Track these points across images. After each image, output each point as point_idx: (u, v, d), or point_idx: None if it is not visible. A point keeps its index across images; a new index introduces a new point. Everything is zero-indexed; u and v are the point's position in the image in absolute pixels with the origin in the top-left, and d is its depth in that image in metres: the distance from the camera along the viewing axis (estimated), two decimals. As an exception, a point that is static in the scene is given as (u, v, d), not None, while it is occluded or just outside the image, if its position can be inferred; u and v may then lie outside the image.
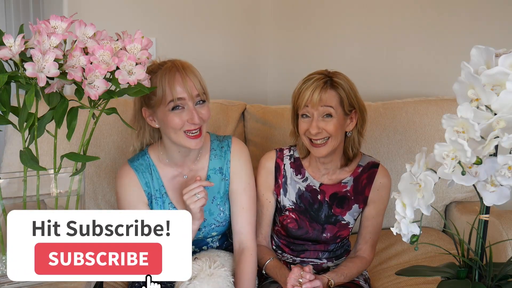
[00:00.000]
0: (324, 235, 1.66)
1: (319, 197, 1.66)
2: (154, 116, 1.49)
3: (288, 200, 1.67)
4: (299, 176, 1.68)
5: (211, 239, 1.65)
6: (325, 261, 1.71)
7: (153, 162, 1.58)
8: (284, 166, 1.68)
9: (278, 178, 1.68)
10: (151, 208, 1.57)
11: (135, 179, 1.56)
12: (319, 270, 1.69)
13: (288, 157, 1.69)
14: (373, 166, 1.66)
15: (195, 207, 1.44)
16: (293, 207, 1.67)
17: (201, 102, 1.47)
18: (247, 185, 1.61)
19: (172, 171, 1.59)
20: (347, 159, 1.65)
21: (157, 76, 1.43)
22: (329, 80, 1.54)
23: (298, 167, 1.68)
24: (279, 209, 1.70)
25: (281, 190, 1.68)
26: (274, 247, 1.76)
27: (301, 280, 1.45)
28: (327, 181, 1.67)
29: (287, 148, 1.71)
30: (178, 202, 1.58)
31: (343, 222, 1.66)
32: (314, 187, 1.66)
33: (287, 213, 1.67)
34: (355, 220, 1.69)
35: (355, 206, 1.66)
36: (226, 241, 1.70)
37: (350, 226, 1.67)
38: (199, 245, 1.64)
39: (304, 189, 1.67)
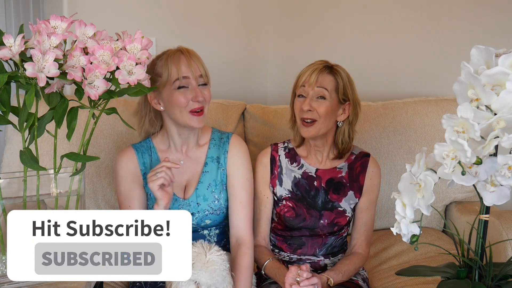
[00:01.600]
0: (322, 221, 1.67)
1: (315, 183, 1.69)
2: (159, 99, 1.55)
3: (284, 189, 1.70)
4: (294, 165, 1.72)
5: (208, 231, 1.66)
6: (322, 258, 1.71)
7: (154, 145, 1.65)
8: (279, 157, 1.73)
9: (273, 169, 1.72)
10: (149, 189, 1.58)
11: (133, 157, 1.62)
12: (316, 269, 1.70)
13: (283, 148, 1.75)
14: (365, 156, 1.73)
15: (152, 186, 1.46)
16: (289, 195, 1.69)
17: (203, 84, 1.55)
18: (246, 180, 1.64)
19: (171, 155, 1.63)
20: (338, 151, 1.70)
21: (163, 60, 1.53)
22: (329, 66, 1.64)
23: (293, 156, 1.73)
24: (275, 202, 1.72)
25: (277, 180, 1.71)
26: (271, 247, 1.76)
27: (298, 279, 1.45)
28: (323, 166, 1.71)
29: (282, 142, 1.77)
30: (175, 187, 1.60)
31: (339, 209, 1.68)
32: (310, 174, 1.71)
33: (284, 202, 1.69)
34: (352, 210, 1.70)
35: (351, 193, 1.69)
36: (225, 239, 1.70)
37: (347, 214, 1.69)
38: (196, 239, 1.64)
39: (300, 177, 1.70)
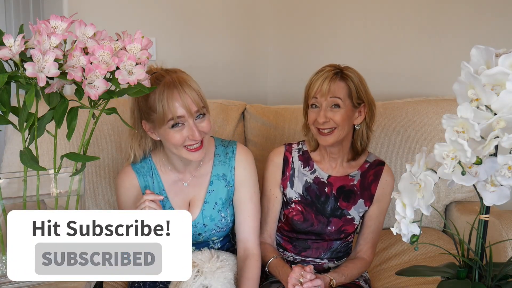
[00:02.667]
0: (329, 228, 1.67)
1: (326, 189, 1.68)
2: (155, 130, 1.48)
3: (295, 192, 1.69)
4: (307, 169, 1.70)
5: (212, 240, 1.65)
6: (326, 261, 1.71)
7: (155, 166, 1.59)
8: (292, 159, 1.71)
9: (286, 170, 1.70)
10: None
11: (135, 181, 1.57)
12: (319, 271, 1.69)
13: (297, 150, 1.72)
14: (380, 164, 1.70)
15: None
16: (299, 199, 1.68)
17: (201, 116, 1.46)
18: (253, 193, 1.61)
19: (174, 176, 1.60)
20: (355, 152, 1.68)
21: (155, 93, 1.41)
22: (339, 72, 1.60)
23: (306, 160, 1.71)
24: (284, 203, 1.71)
25: (288, 182, 1.69)
26: (276, 245, 1.76)
27: (301, 280, 1.45)
28: (335, 173, 1.69)
29: (296, 142, 1.75)
30: (179, 207, 1.58)
31: (348, 216, 1.67)
32: (322, 179, 1.69)
33: (293, 205, 1.68)
34: (360, 218, 1.70)
35: (361, 202, 1.68)
36: (228, 243, 1.70)
37: (355, 222, 1.68)
38: (200, 247, 1.64)
39: (311, 182, 1.69)
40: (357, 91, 1.59)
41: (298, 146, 1.73)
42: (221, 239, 1.66)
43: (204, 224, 1.59)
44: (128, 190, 1.57)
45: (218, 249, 1.66)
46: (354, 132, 1.65)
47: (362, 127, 1.64)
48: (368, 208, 1.69)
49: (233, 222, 1.64)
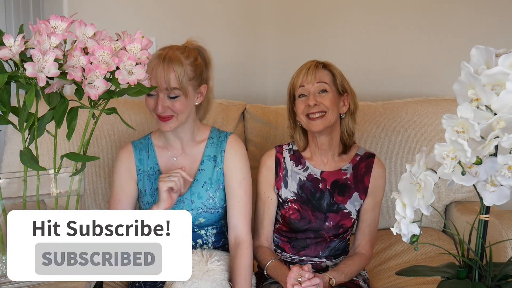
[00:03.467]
0: (327, 223, 1.67)
1: (320, 185, 1.69)
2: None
3: (289, 191, 1.70)
4: (299, 167, 1.71)
5: (205, 231, 1.66)
6: (324, 259, 1.71)
7: (153, 143, 1.67)
8: (284, 159, 1.73)
9: (278, 171, 1.71)
10: (143, 185, 1.64)
11: (131, 154, 1.65)
12: (318, 269, 1.69)
13: (287, 150, 1.74)
14: (370, 156, 1.73)
15: (162, 186, 1.49)
16: (294, 198, 1.69)
17: (173, 97, 1.53)
18: (243, 179, 1.64)
19: (167, 153, 1.66)
20: (344, 145, 1.71)
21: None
22: (320, 63, 1.68)
23: (298, 158, 1.72)
24: (280, 204, 1.72)
25: (282, 183, 1.70)
26: (273, 247, 1.76)
27: (300, 280, 1.45)
28: (327, 168, 1.71)
29: (286, 144, 1.77)
30: None
31: (345, 211, 1.68)
32: (315, 176, 1.70)
33: (289, 204, 1.69)
34: (357, 212, 1.70)
35: (356, 195, 1.69)
36: (223, 239, 1.71)
37: (352, 216, 1.68)
38: (193, 239, 1.66)
39: (305, 179, 1.70)
40: (341, 79, 1.66)
41: (288, 146, 1.75)
42: (214, 231, 1.67)
43: (191, 201, 1.62)
44: (123, 161, 1.65)
45: (213, 243, 1.67)
46: (340, 123, 1.69)
47: (347, 117, 1.69)
48: (364, 201, 1.70)
49: (224, 209, 1.66)
